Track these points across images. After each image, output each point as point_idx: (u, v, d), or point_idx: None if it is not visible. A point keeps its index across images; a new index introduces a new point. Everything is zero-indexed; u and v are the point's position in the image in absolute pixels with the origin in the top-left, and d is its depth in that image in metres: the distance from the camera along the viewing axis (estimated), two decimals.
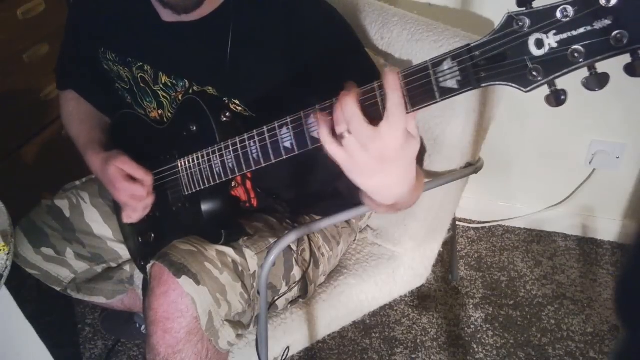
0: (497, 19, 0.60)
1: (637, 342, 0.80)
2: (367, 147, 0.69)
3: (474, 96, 1.26)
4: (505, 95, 1.32)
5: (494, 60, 0.60)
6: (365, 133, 0.69)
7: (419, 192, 0.88)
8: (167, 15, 1.12)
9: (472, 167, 1.34)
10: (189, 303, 1.00)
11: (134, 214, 1.18)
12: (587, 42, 0.54)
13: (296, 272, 1.22)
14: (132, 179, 1.14)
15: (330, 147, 0.72)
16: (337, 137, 0.72)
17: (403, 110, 0.68)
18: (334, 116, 0.71)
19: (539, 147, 2.08)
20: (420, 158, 1.05)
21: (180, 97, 1.16)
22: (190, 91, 1.13)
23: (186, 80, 1.14)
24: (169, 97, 1.18)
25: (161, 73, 1.16)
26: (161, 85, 1.18)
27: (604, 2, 0.52)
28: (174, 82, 1.15)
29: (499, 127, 1.48)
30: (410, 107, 0.68)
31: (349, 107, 0.69)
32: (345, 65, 1.05)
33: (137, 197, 1.15)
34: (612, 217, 2.15)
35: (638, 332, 0.80)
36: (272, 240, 1.16)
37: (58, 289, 1.41)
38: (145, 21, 1.15)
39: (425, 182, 1.27)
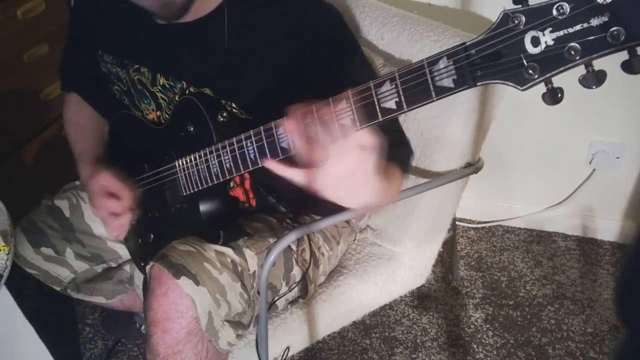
0: None
1: (637, 342, 0.80)
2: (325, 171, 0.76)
3: (474, 96, 1.26)
4: (506, 95, 1.32)
5: (489, 59, 0.60)
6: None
7: (394, 188, 0.97)
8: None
9: (472, 167, 1.34)
10: (188, 304, 1.00)
11: (110, 231, 1.20)
12: (583, 39, 0.54)
13: (296, 272, 1.22)
14: (114, 195, 1.16)
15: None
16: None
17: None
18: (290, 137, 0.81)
19: (539, 147, 2.08)
20: (406, 160, 1.10)
21: (177, 98, 1.16)
22: (187, 92, 1.13)
23: (184, 82, 1.14)
24: (167, 99, 1.18)
25: (159, 75, 1.16)
26: (159, 87, 1.18)
27: None
28: (172, 84, 1.15)
29: (499, 127, 1.48)
30: (407, 107, 0.69)
31: (297, 130, 0.77)
32: (343, 67, 1.05)
33: (114, 213, 1.17)
34: (612, 217, 2.15)
35: (638, 332, 0.80)
36: (271, 241, 1.16)
37: (58, 288, 1.41)
38: (141, 23, 1.15)
39: (424, 182, 1.28)
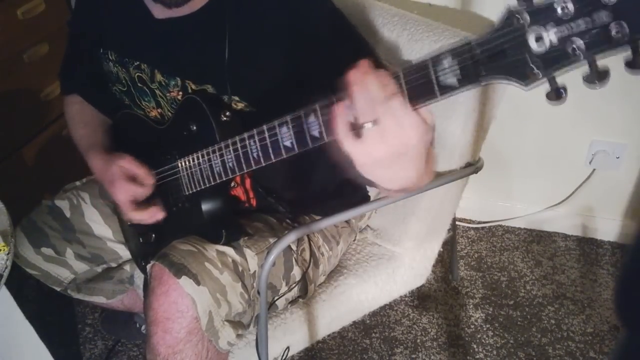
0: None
1: (637, 342, 0.80)
2: (388, 139, 0.66)
3: (474, 96, 1.26)
4: (506, 94, 1.32)
5: (494, 58, 0.59)
6: (395, 120, 0.65)
7: (429, 175, 0.86)
8: (158, 12, 1.11)
9: (472, 167, 1.34)
10: (189, 303, 1.00)
11: (130, 214, 1.15)
12: (587, 37, 0.53)
13: (296, 272, 1.22)
14: (133, 180, 1.14)
15: (347, 142, 0.68)
16: (355, 131, 0.68)
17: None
18: (358, 104, 0.66)
19: (539, 147, 2.08)
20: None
21: (176, 96, 1.16)
22: (189, 90, 1.13)
23: (178, 79, 1.13)
24: (164, 97, 1.18)
25: (156, 71, 1.16)
26: (157, 84, 1.17)
27: None
28: (167, 80, 1.15)
29: (499, 127, 1.48)
30: (410, 106, 0.68)
31: (381, 92, 0.65)
32: (345, 56, 1.05)
33: (135, 198, 1.14)
34: (612, 217, 2.15)
35: (638, 332, 0.80)
36: (272, 240, 1.16)
37: (58, 289, 1.41)
38: (138, 19, 1.15)
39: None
